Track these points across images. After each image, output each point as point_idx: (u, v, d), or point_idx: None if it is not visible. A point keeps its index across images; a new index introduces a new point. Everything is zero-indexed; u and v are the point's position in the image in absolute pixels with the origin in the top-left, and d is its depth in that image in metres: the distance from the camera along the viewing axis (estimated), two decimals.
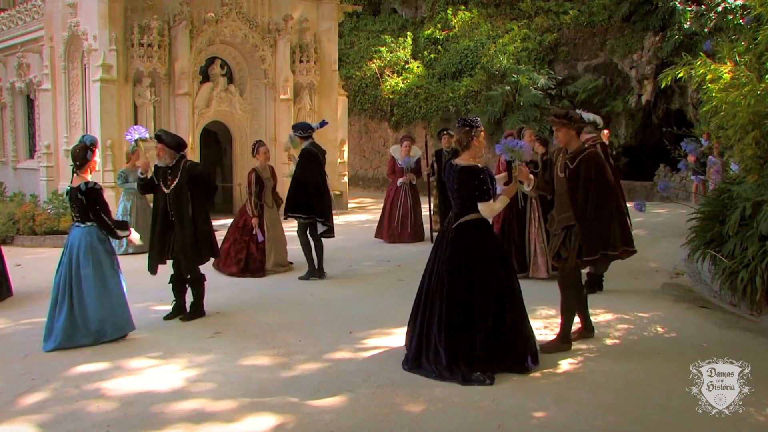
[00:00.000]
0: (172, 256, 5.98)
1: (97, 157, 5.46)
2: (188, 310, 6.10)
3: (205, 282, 6.15)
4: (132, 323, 5.48)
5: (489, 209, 4.60)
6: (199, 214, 5.91)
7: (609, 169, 5.09)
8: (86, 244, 5.26)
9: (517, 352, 4.54)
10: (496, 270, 4.59)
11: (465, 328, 4.49)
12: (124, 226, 5.58)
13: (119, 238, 5.61)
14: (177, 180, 5.83)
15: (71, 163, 5.38)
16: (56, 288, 5.32)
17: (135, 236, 5.66)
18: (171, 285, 6.10)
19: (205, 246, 5.98)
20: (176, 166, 5.88)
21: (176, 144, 5.93)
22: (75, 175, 5.34)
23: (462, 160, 4.64)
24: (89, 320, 5.23)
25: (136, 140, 5.92)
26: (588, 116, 6.24)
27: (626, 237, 5.20)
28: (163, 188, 5.88)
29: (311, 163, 7.56)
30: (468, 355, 4.43)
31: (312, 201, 7.49)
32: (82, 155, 5.28)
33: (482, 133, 4.66)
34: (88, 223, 5.32)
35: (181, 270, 6.03)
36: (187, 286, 6.11)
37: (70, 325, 5.21)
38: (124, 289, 5.46)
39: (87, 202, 5.24)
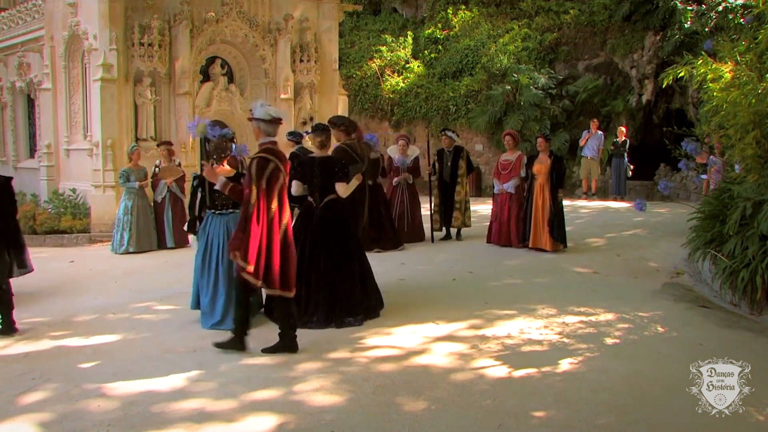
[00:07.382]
0: None
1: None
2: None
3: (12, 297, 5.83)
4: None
5: (345, 188, 5.76)
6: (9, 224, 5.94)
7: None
8: (229, 232, 5.48)
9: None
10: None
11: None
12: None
13: None
14: None
15: (213, 156, 5.39)
16: (205, 270, 5.67)
17: None
18: None
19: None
20: None
21: None
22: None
23: (324, 153, 5.89)
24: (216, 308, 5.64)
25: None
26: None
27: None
28: None
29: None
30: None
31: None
32: (225, 147, 5.42)
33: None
34: (230, 210, 5.64)
35: None
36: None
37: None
38: None
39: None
